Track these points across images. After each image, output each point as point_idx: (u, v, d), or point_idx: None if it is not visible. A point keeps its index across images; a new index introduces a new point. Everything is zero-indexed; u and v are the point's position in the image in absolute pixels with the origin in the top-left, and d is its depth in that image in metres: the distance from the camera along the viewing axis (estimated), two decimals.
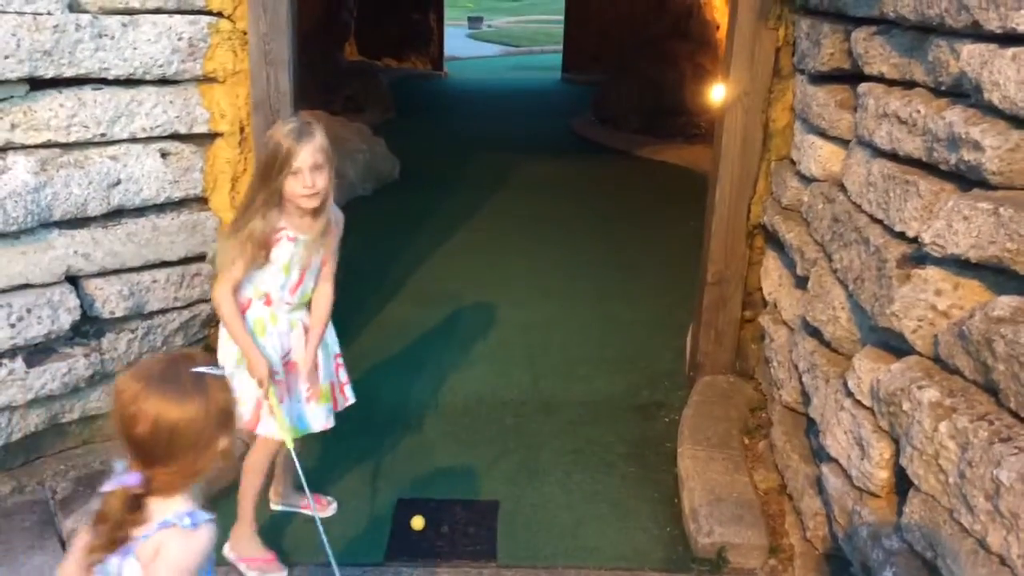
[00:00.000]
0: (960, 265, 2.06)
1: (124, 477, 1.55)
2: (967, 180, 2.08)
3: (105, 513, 1.57)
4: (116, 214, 3.30)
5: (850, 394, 2.43)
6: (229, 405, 1.64)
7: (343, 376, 2.97)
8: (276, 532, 3.01)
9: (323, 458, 3.40)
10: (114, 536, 1.56)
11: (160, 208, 3.43)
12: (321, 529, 2.50)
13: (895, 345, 2.31)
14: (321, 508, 3.10)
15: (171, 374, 1.59)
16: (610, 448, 3.63)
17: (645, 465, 3.51)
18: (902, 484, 2.19)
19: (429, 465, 3.47)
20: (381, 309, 4.93)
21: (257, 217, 2.58)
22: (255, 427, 2.72)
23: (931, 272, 2.12)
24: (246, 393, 2.65)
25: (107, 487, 1.59)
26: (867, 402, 2.32)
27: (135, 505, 1.56)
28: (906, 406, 2.06)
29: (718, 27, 9.34)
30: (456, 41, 22.75)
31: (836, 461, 2.50)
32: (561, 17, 18.18)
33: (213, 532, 1.59)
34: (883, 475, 2.25)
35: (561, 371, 4.31)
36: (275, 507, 3.12)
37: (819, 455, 2.79)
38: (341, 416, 2.99)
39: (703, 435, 3.48)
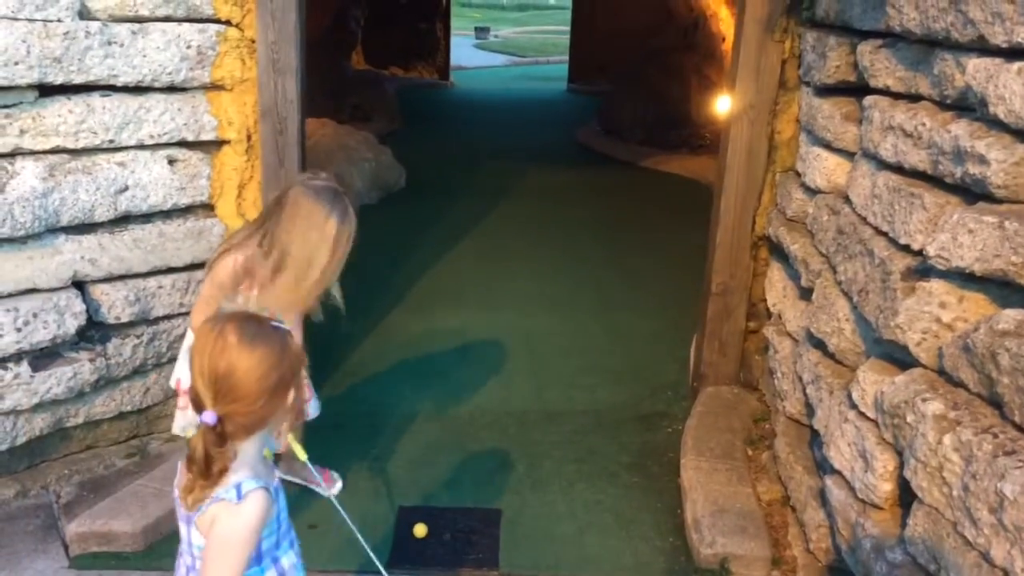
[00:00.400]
0: (965, 278, 2.06)
1: (202, 417, 1.61)
2: (972, 193, 2.09)
3: (192, 452, 1.63)
4: (123, 220, 3.32)
5: (854, 406, 2.42)
6: (300, 360, 1.73)
7: (307, 393, 3.04)
8: None
9: (325, 465, 3.40)
10: (208, 470, 1.62)
11: (167, 215, 3.44)
12: (361, 539, 2.45)
13: (899, 357, 2.31)
14: (329, 484, 3.18)
15: (254, 321, 1.68)
16: (613, 458, 3.62)
17: (648, 475, 3.51)
18: (906, 496, 2.19)
19: (431, 473, 3.47)
20: (385, 317, 4.94)
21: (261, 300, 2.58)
22: None
23: (936, 285, 2.12)
24: None
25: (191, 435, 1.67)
26: (871, 414, 2.32)
27: (220, 441, 1.61)
28: (910, 418, 2.06)
29: (724, 39, 9.36)
30: (462, 51, 22.83)
31: (840, 473, 2.50)
32: (567, 28, 18.25)
33: (262, 499, 1.64)
34: (887, 487, 2.25)
35: (564, 380, 4.31)
36: (281, 475, 3.15)
37: (823, 467, 2.79)
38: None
39: (706, 446, 3.48)
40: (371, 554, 2.27)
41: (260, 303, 2.56)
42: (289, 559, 1.82)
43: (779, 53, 3.55)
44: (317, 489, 3.17)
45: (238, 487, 1.63)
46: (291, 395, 1.69)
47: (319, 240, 2.49)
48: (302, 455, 2.49)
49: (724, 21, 9.27)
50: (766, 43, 3.54)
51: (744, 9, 3.55)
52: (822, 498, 2.70)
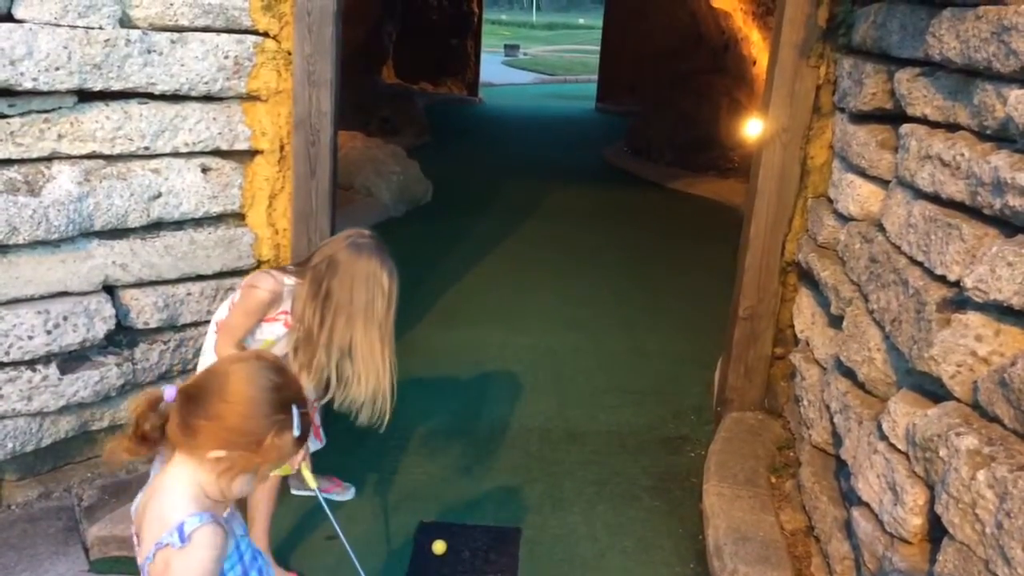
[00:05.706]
0: (1002, 311, 2.02)
1: (165, 391, 1.55)
2: (1011, 226, 2.06)
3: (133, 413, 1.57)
4: (155, 226, 3.34)
5: (884, 437, 2.39)
6: (290, 436, 1.59)
7: (317, 419, 3.02)
8: (288, 552, 3.01)
9: (344, 479, 3.40)
10: (135, 433, 1.55)
11: (198, 222, 3.46)
12: (351, 552, 2.47)
13: (932, 389, 2.28)
14: (342, 489, 3.34)
15: (279, 368, 1.63)
16: (634, 480, 3.60)
17: (669, 499, 3.48)
18: (935, 531, 2.14)
19: (452, 489, 3.45)
20: (408, 331, 4.93)
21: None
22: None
23: (972, 317, 2.09)
24: None
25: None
26: (902, 446, 2.29)
27: (156, 420, 1.55)
28: (943, 452, 2.02)
29: (754, 62, 9.35)
30: (492, 68, 22.94)
31: (867, 505, 2.46)
32: (597, 47, 18.30)
33: (209, 534, 1.51)
34: (916, 521, 2.21)
35: (587, 400, 4.29)
36: (294, 491, 3.31)
37: (849, 498, 2.75)
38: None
39: (729, 472, 3.44)
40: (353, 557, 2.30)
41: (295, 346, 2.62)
42: None
43: (814, 78, 3.53)
44: (333, 496, 3.25)
45: (180, 529, 1.50)
46: (258, 459, 1.57)
47: (378, 291, 2.64)
48: (312, 483, 2.52)
49: (755, 44, 9.25)
50: (801, 68, 3.52)
51: (780, 33, 3.54)
52: (848, 530, 2.66)
